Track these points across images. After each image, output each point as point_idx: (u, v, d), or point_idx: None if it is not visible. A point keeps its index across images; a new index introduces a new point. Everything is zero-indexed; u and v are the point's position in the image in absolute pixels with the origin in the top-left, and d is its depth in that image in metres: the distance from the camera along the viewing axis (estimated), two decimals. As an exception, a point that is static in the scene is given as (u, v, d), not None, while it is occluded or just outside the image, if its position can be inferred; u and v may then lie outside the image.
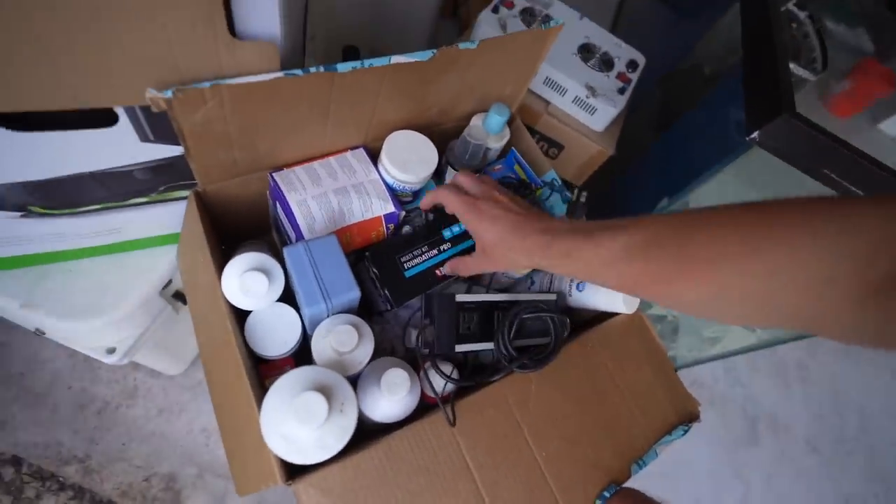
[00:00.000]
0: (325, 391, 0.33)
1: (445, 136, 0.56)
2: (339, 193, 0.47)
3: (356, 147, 0.51)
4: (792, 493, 1.17)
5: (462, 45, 0.42)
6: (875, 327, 0.24)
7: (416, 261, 0.47)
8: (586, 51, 0.74)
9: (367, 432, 0.41)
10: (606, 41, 0.76)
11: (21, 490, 0.81)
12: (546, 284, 0.57)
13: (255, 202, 0.53)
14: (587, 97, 0.70)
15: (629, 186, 1.02)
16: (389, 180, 0.50)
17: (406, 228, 0.53)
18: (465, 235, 0.49)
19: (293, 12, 0.40)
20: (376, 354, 0.44)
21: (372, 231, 0.50)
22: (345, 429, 0.34)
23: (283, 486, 0.35)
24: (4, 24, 0.28)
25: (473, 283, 0.55)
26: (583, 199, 0.51)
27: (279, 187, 0.47)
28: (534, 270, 0.58)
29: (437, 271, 0.48)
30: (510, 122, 0.60)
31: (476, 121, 0.56)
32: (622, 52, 0.76)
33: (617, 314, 0.52)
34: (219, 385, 0.47)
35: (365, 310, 0.48)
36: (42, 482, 0.83)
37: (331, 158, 0.50)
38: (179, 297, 0.65)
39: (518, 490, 0.41)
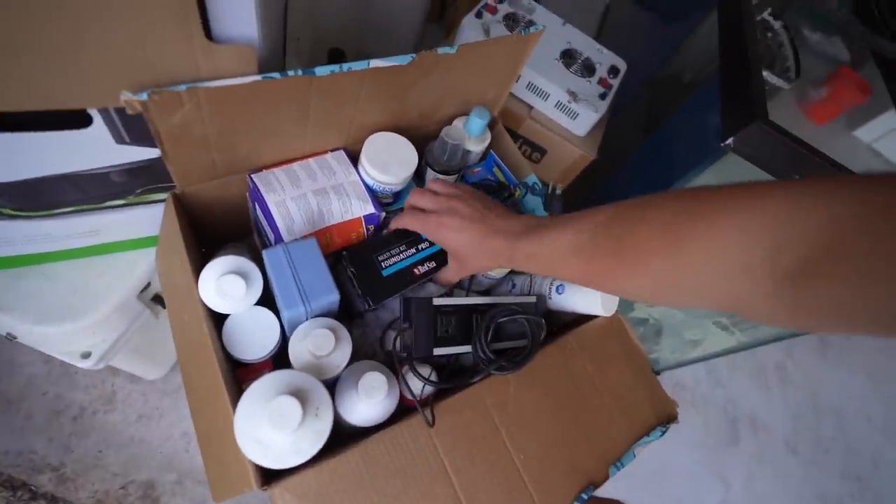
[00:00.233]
0: (300, 395, 0.33)
1: (427, 140, 0.57)
2: (318, 194, 0.47)
3: (336, 149, 0.51)
4: (771, 493, 1.19)
5: (441, 50, 0.43)
6: (787, 313, 0.25)
7: (393, 259, 0.47)
8: (568, 56, 0.75)
9: (345, 436, 0.41)
10: (588, 47, 0.77)
11: (-8, 499, 0.79)
12: (527, 287, 0.58)
13: (235, 204, 0.53)
14: (569, 102, 0.71)
15: (615, 189, 1.03)
16: (370, 182, 0.50)
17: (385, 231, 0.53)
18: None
19: (271, 15, 0.40)
20: (356, 359, 0.44)
21: (352, 232, 0.50)
22: (320, 433, 0.33)
23: (259, 491, 0.35)
24: (-28, 24, 0.28)
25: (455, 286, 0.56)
26: (558, 192, 0.52)
27: (258, 188, 0.46)
28: (513, 272, 0.58)
29: (415, 269, 0.48)
30: (492, 127, 0.60)
31: (457, 122, 0.56)
32: (604, 57, 0.78)
33: (596, 317, 0.53)
34: (196, 389, 0.47)
35: (345, 313, 0.48)
36: (13, 492, 0.81)
37: (310, 160, 0.49)
38: (159, 300, 0.65)
39: (496, 492, 0.41)
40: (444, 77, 0.48)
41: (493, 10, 0.74)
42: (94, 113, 0.37)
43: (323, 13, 0.91)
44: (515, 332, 0.48)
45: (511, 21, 0.74)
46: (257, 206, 0.49)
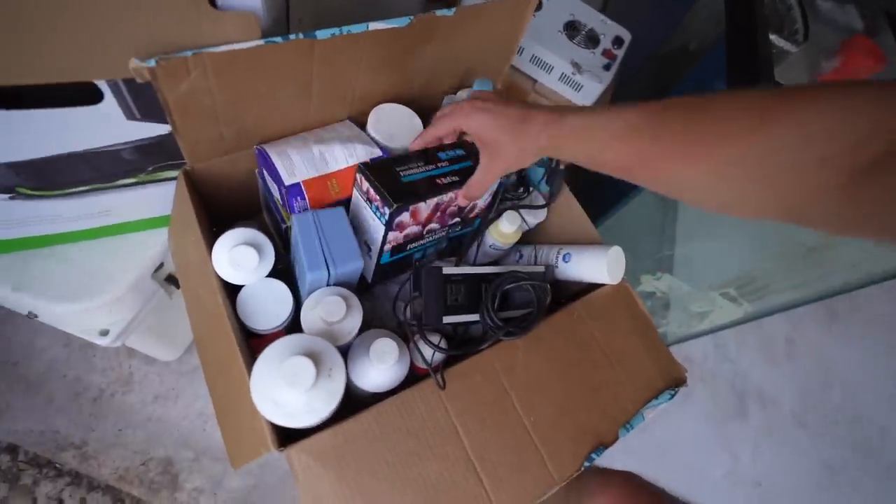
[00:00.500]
0: (314, 357, 0.34)
1: (430, 114, 0.57)
2: (320, 143, 0.47)
3: (342, 121, 0.51)
4: (779, 465, 1.21)
5: (440, 13, 0.43)
6: (853, 212, 0.25)
7: (413, 171, 0.46)
8: (572, 28, 0.74)
9: (358, 403, 0.42)
10: (592, 18, 0.76)
11: (18, 478, 0.82)
12: (533, 258, 0.58)
13: (244, 182, 0.53)
14: (573, 74, 0.70)
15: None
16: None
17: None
18: (461, 158, 0.49)
19: (274, -16, 0.40)
20: (367, 330, 0.45)
21: None
22: (333, 393, 0.34)
23: (277, 458, 0.36)
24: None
25: (461, 258, 0.56)
26: (561, 166, 0.52)
27: (264, 151, 0.47)
28: (519, 244, 0.59)
29: (438, 180, 0.46)
30: (496, 99, 0.60)
31: (461, 93, 0.56)
32: (607, 28, 0.77)
33: (603, 285, 0.53)
34: (212, 362, 0.48)
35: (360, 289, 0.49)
36: (39, 469, 0.83)
37: (318, 129, 0.50)
38: (172, 281, 0.66)
39: (506, 453, 0.42)
40: (443, 43, 0.48)
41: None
42: (104, 88, 0.38)
43: (323, -7, 0.91)
44: (522, 300, 0.48)
45: (513, -7, 0.73)
46: (265, 172, 0.49)
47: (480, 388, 0.44)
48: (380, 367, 0.40)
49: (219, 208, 0.54)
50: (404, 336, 0.47)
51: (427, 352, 0.44)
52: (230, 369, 0.41)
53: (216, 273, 0.42)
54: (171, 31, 0.34)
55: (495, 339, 0.46)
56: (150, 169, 0.49)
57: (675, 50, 1.05)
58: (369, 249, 0.48)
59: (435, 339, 0.45)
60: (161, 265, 0.61)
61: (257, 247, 0.42)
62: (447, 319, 0.46)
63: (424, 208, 0.46)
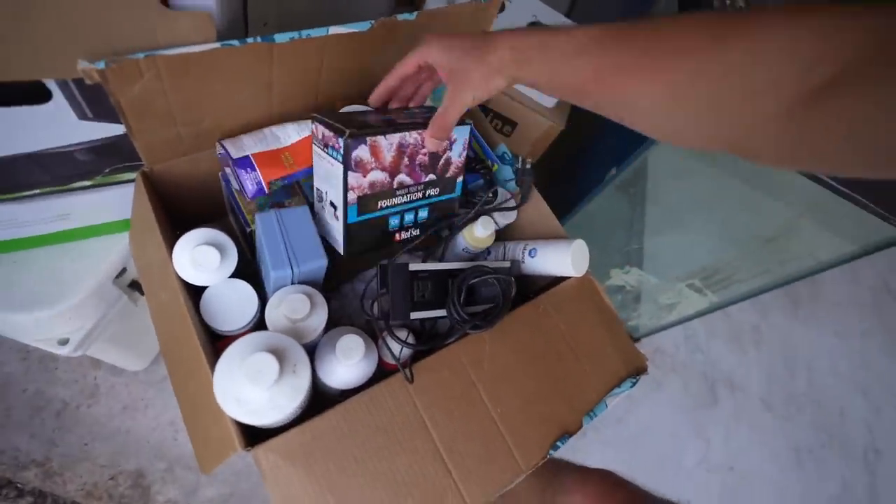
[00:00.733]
0: (277, 353, 0.34)
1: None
2: (274, 127, 0.47)
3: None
4: (748, 448, 1.25)
5: (401, 17, 0.43)
6: (798, 141, 0.25)
7: (372, 115, 0.45)
8: (535, 29, 0.76)
9: (328, 401, 0.42)
10: (555, 20, 0.78)
11: (-24, 499, 0.79)
12: (501, 255, 0.59)
13: (207, 183, 0.53)
14: (537, 73, 0.72)
15: (587, 159, 1.05)
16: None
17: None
18: (427, 110, 0.48)
19: (229, -17, 0.40)
20: (334, 328, 0.45)
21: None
22: (297, 389, 0.34)
23: (252, 466, 0.36)
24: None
25: (429, 254, 0.57)
26: (528, 166, 0.53)
27: (222, 143, 0.46)
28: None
29: (398, 120, 0.45)
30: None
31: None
32: (570, 29, 0.79)
33: (569, 278, 0.55)
34: (178, 367, 0.47)
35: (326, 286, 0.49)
36: (-1, 489, 0.80)
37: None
38: (137, 287, 0.64)
39: (474, 444, 0.43)
40: (407, 46, 0.49)
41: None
42: (52, 87, 0.37)
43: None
44: (488, 295, 0.49)
45: (477, -6, 0.74)
46: (227, 171, 0.48)
47: (448, 381, 0.44)
48: (346, 364, 0.40)
49: (182, 211, 0.53)
50: (374, 333, 0.47)
51: (395, 347, 0.44)
52: (195, 372, 0.41)
53: (177, 275, 0.42)
54: (121, 31, 0.33)
55: (462, 333, 0.47)
56: (107, 171, 0.48)
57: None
58: (335, 210, 0.46)
59: (402, 334, 0.46)
60: (123, 270, 0.60)
61: (219, 246, 0.41)
62: (414, 315, 0.46)
63: (386, 146, 0.43)
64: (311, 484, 0.38)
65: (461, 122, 0.49)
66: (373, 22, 0.41)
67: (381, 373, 0.45)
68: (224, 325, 0.43)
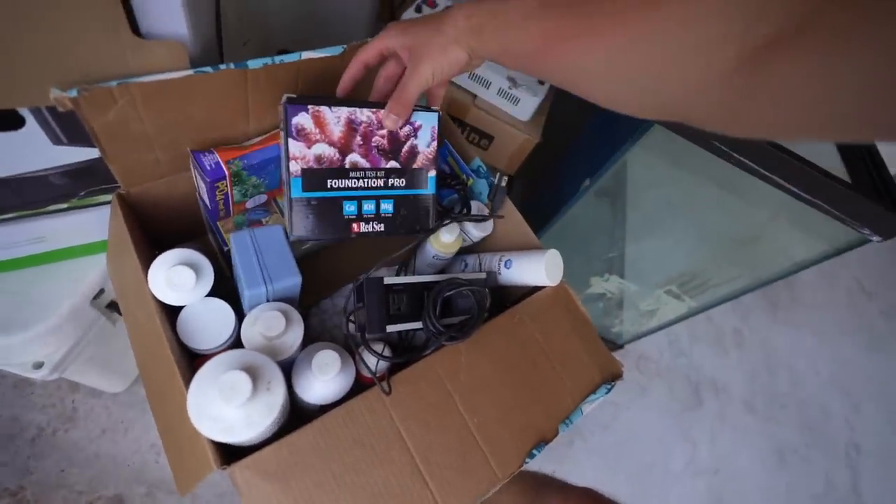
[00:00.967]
0: (251, 371, 0.34)
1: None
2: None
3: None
4: (733, 450, 1.27)
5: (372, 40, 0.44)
6: (742, 105, 0.24)
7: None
8: (508, 46, 0.78)
9: (307, 417, 0.42)
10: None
11: (-52, 531, 0.77)
12: (477, 266, 0.60)
13: (185, 203, 0.53)
14: (510, 88, 0.74)
15: (564, 171, 1.07)
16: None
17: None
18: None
19: (200, 9, 0.41)
20: (311, 344, 0.46)
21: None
22: (271, 406, 0.35)
23: (219, 471, 0.36)
24: None
25: (403, 267, 0.58)
26: (503, 183, 0.55)
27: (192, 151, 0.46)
28: (465, 253, 0.61)
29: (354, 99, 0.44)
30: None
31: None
32: (542, 46, 0.81)
33: (544, 287, 0.56)
34: (155, 387, 0.47)
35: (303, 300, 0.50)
36: (-28, 520, 0.78)
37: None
38: (115, 308, 0.64)
39: (451, 454, 0.43)
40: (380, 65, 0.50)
41: (433, 4, 0.77)
42: (25, 114, 0.38)
43: (271, 14, 0.92)
44: (464, 306, 0.50)
45: (451, 14, 0.76)
46: (201, 187, 0.49)
47: (425, 393, 0.45)
48: (323, 379, 0.41)
49: (160, 231, 0.53)
50: (352, 348, 0.48)
51: (371, 361, 0.45)
52: (171, 391, 0.41)
53: (153, 295, 0.42)
54: (93, 60, 0.34)
55: (438, 345, 0.48)
56: (83, 194, 0.48)
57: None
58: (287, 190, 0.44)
59: (379, 347, 0.46)
60: (101, 292, 0.60)
61: (194, 266, 0.42)
62: (391, 328, 0.47)
63: (332, 119, 0.42)
64: (289, 500, 0.38)
65: (429, 110, 0.48)
66: (345, 46, 0.43)
67: (360, 387, 0.46)
68: (201, 343, 0.43)
